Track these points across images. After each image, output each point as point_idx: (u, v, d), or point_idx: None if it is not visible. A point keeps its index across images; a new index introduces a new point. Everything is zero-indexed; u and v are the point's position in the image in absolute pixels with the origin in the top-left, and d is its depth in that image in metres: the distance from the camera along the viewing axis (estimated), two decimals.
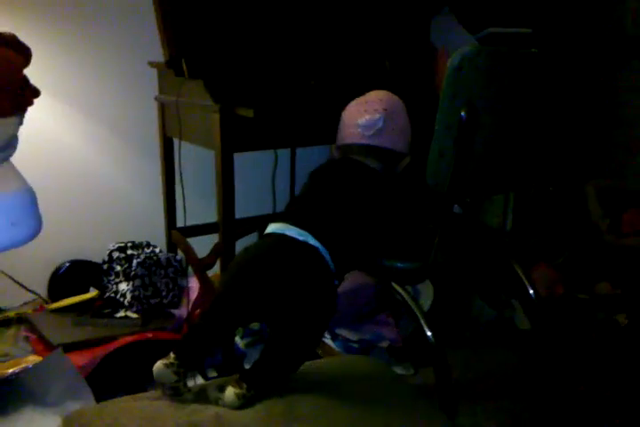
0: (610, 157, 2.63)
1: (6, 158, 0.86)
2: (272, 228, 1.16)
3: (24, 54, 1.03)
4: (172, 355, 1.08)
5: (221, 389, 1.07)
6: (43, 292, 2.04)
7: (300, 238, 1.10)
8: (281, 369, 1.11)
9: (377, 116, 1.27)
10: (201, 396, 1.10)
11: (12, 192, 0.78)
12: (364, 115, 1.28)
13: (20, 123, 0.98)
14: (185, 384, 1.08)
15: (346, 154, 1.30)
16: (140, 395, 1.13)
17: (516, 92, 1.37)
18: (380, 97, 1.32)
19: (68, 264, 2.06)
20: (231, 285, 1.11)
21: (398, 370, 1.73)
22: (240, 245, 1.67)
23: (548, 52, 1.48)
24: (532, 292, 1.51)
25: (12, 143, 0.86)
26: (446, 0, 2.22)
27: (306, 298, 1.08)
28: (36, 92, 1.05)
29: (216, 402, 1.06)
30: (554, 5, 2.46)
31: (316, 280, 1.09)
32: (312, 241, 1.10)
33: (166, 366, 1.06)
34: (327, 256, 1.11)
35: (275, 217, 1.19)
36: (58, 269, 2.06)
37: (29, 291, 2.00)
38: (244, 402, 1.05)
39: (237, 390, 1.04)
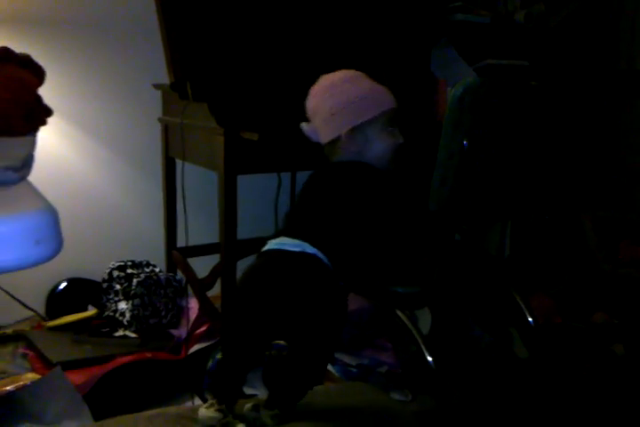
0: (609, 187, 2.66)
1: (24, 177, 0.88)
2: (268, 245, 1.13)
3: (38, 74, 1.05)
4: (209, 398, 1.09)
5: (257, 409, 1.09)
6: (40, 309, 2.03)
7: (297, 250, 1.07)
8: (302, 383, 1.12)
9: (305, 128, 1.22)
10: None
11: (36, 211, 0.79)
12: None
13: (35, 142, 0.99)
14: (234, 416, 1.07)
15: None
16: (140, 414, 1.13)
17: (515, 122, 1.40)
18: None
19: (66, 282, 2.06)
20: (239, 313, 1.12)
21: (396, 396, 1.72)
22: (241, 265, 1.68)
23: (547, 84, 1.52)
24: (530, 320, 1.52)
25: (28, 162, 0.87)
26: (445, 31, 2.27)
27: (313, 305, 1.07)
28: (48, 112, 1.07)
29: (254, 422, 1.08)
30: (549, 39, 2.51)
31: (318, 285, 1.08)
32: (309, 249, 1.08)
33: (207, 408, 1.07)
34: (326, 260, 1.08)
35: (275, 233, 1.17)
36: (56, 286, 2.05)
37: (27, 308, 1.99)
38: (279, 421, 1.07)
39: (270, 412, 1.08)
